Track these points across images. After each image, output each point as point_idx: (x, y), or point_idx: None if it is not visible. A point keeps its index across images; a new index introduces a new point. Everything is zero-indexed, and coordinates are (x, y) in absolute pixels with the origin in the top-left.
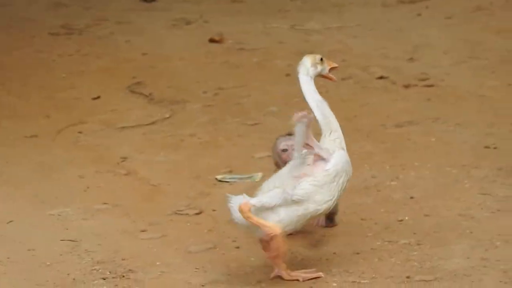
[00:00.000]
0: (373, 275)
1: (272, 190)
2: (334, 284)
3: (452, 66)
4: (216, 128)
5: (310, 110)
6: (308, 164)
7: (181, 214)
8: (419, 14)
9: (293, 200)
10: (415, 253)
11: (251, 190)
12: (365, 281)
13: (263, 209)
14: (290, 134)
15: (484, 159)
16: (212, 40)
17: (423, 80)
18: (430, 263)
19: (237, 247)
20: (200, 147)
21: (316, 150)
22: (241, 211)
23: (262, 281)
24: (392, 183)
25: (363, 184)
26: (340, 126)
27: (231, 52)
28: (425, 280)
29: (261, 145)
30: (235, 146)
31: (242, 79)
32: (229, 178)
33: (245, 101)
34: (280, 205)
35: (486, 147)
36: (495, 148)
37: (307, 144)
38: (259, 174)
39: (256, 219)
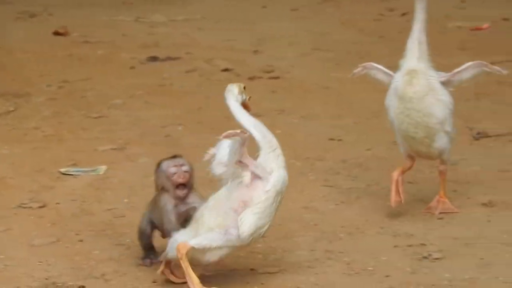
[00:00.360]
0: (217, 268)
1: (212, 231)
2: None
3: (298, 58)
4: (60, 121)
5: (244, 130)
6: (246, 186)
7: (25, 208)
8: (264, 6)
9: (242, 239)
10: (259, 245)
11: (96, 183)
12: (209, 273)
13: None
14: (175, 156)
15: (329, 151)
16: (56, 33)
17: (268, 72)
18: (274, 255)
19: (81, 240)
20: (44, 140)
21: (252, 168)
22: (177, 250)
23: (106, 274)
24: None
25: (207, 177)
26: (184, 118)
27: (76, 45)
28: (269, 273)
29: (105, 138)
30: (79, 139)
31: (87, 72)
32: (73, 171)
33: (89, 94)
34: (221, 246)
35: (331, 139)
36: (339, 140)
37: (240, 162)
38: (103, 167)
39: (186, 265)
